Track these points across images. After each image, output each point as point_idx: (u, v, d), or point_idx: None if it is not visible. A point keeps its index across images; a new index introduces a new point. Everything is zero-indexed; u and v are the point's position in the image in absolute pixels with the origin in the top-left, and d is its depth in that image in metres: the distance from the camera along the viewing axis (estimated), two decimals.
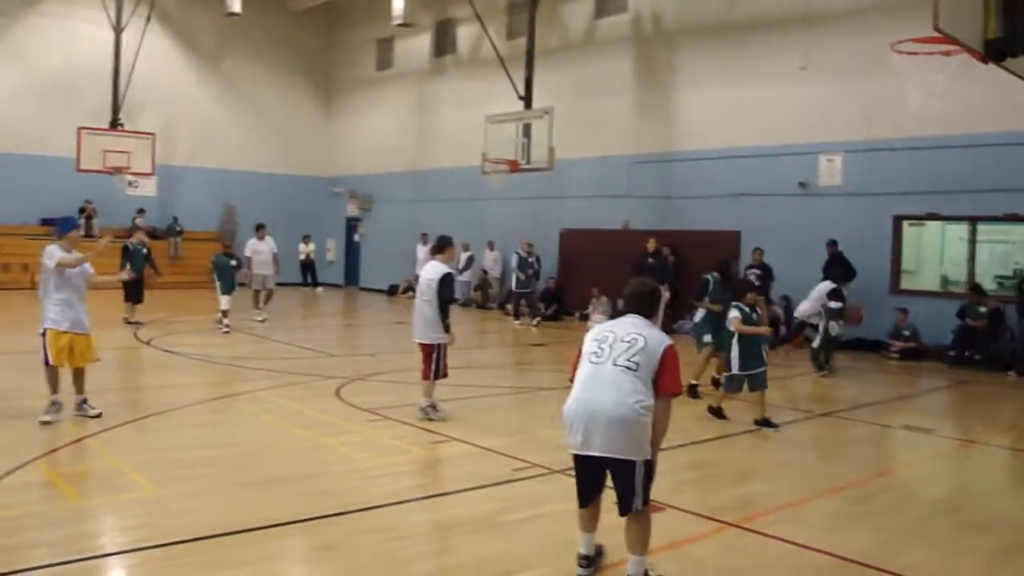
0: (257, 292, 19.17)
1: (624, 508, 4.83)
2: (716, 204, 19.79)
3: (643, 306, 5.19)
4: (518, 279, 21.21)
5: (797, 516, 6.61)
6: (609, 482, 4.95)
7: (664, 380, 4.81)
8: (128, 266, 16.47)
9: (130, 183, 26.21)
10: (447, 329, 9.41)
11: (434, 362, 9.41)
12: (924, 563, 5.63)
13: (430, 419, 9.35)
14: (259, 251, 19.17)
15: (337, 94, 32.74)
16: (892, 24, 14.85)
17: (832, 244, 16.89)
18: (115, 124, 25.94)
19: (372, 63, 31.02)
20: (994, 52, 10.38)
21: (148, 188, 26.92)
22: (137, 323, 17.10)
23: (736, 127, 19.46)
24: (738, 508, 6.68)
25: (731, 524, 6.26)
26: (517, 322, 20.87)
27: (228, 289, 16.87)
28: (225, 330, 16.32)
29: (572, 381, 5.04)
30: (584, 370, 4.96)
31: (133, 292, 17.33)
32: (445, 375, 9.52)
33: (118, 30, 26.24)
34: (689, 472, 7.76)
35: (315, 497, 6.48)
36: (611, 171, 21.95)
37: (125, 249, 17.62)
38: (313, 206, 31.77)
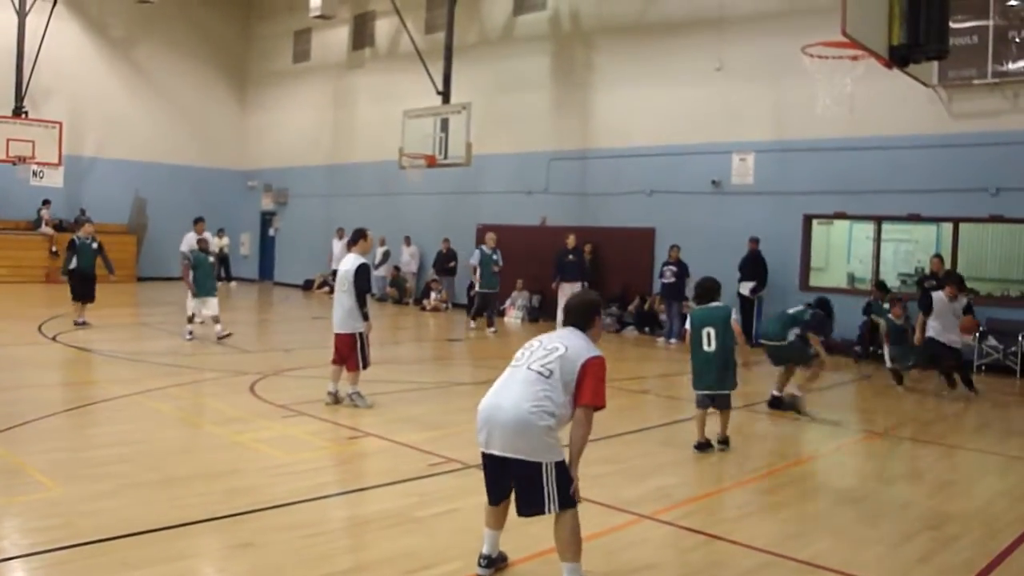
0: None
1: (522, 509, 4.81)
2: (632, 201, 20.08)
3: (578, 318, 5.12)
4: (484, 276, 18.60)
5: (709, 508, 6.78)
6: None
7: (582, 391, 4.77)
8: (75, 261, 15.83)
9: (35, 173, 25.32)
10: (365, 318, 9.70)
11: (358, 351, 9.68)
12: (829, 553, 5.81)
13: (356, 406, 9.60)
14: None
15: (253, 86, 32.21)
16: (802, 28, 15.25)
17: (754, 241, 17.29)
18: (18, 112, 25.11)
19: (289, 55, 30.60)
20: (898, 58, 10.75)
21: (54, 179, 26.04)
22: (84, 323, 15.90)
23: (652, 126, 19.77)
24: (652, 501, 6.79)
25: (645, 516, 6.38)
26: (473, 324, 19.00)
27: (212, 290, 15.05)
28: (189, 337, 14.74)
29: None
30: (504, 373, 4.99)
31: (82, 290, 16.01)
32: (367, 365, 9.78)
33: (22, 14, 25.36)
34: (603, 466, 7.88)
35: (229, 494, 6.40)
36: (529, 167, 22.08)
37: (71, 244, 16.31)
38: (227, 199, 31.21)
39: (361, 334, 9.76)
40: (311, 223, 28.48)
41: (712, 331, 8.45)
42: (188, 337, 14.74)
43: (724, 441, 8.61)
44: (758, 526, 6.36)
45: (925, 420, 11.17)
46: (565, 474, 4.75)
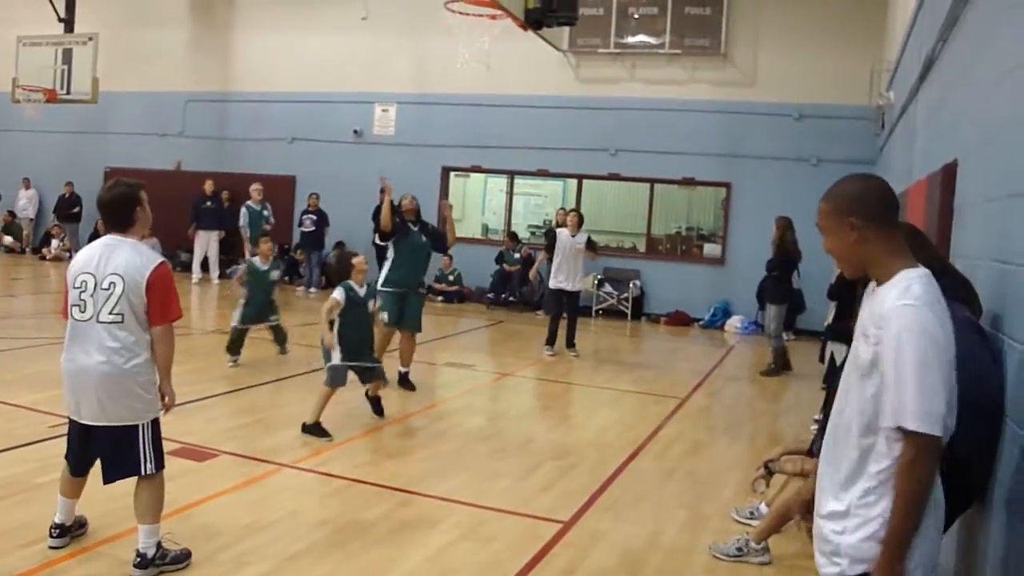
0: None
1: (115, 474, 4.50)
2: (273, 148, 19.62)
3: (118, 216, 4.50)
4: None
5: (348, 453, 6.88)
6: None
7: (154, 312, 4.38)
8: None
9: None
10: None
11: None
12: (463, 487, 6.16)
13: None
14: None
15: None
16: None
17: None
18: None
19: None
20: (532, 21, 11.38)
21: None
22: None
23: (296, 72, 19.35)
24: (291, 450, 6.78)
25: (284, 465, 6.37)
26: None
27: None
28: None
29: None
30: (69, 326, 4.47)
31: None
32: None
33: None
34: (241, 417, 7.74)
35: None
36: (163, 108, 20.77)
37: None
38: None
39: None
40: None
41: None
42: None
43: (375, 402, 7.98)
44: (396, 467, 6.58)
45: (548, 361, 12.04)
46: (158, 432, 4.53)
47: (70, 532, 4.71)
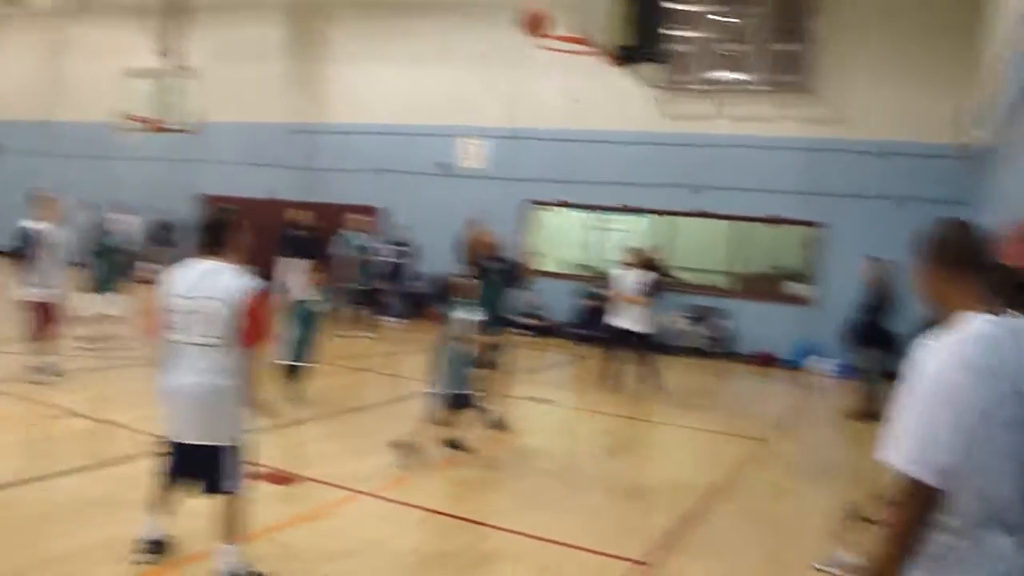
0: None
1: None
2: (362, 179, 20.01)
3: (216, 240, 4.66)
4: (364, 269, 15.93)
5: (428, 484, 6.94)
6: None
7: (247, 334, 4.50)
8: None
9: None
10: (34, 285, 9.03)
11: (31, 321, 9.13)
12: (541, 522, 6.15)
13: (39, 382, 8.98)
14: None
15: None
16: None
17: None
18: None
19: None
20: (623, 57, 11.44)
21: None
22: None
23: (385, 104, 19.76)
24: (373, 478, 6.86)
25: (366, 493, 6.44)
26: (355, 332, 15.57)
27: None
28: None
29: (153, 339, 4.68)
30: (166, 348, 4.62)
31: None
32: (54, 336, 9.23)
33: None
34: (324, 443, 7.87)
35: None
36: (258, 138, 21.41)
37: None
38: None
39: (36, 302, 9.12)
40: (17, 183, 26.10)
41: None
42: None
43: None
44: (475, 500, 6.62)
45: (630, 398, 11.94)
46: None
47: (160, 548, 4.86)
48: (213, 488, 4.59)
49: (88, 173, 23.88)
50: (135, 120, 18.75)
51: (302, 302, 9.31)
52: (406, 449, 7.21)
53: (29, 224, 9.20)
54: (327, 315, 10.06)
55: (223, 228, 4.67)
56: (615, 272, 12.16)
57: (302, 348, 9.19)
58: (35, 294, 9.11)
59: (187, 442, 4.55)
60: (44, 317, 9.18)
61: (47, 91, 25.99)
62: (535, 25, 9.80)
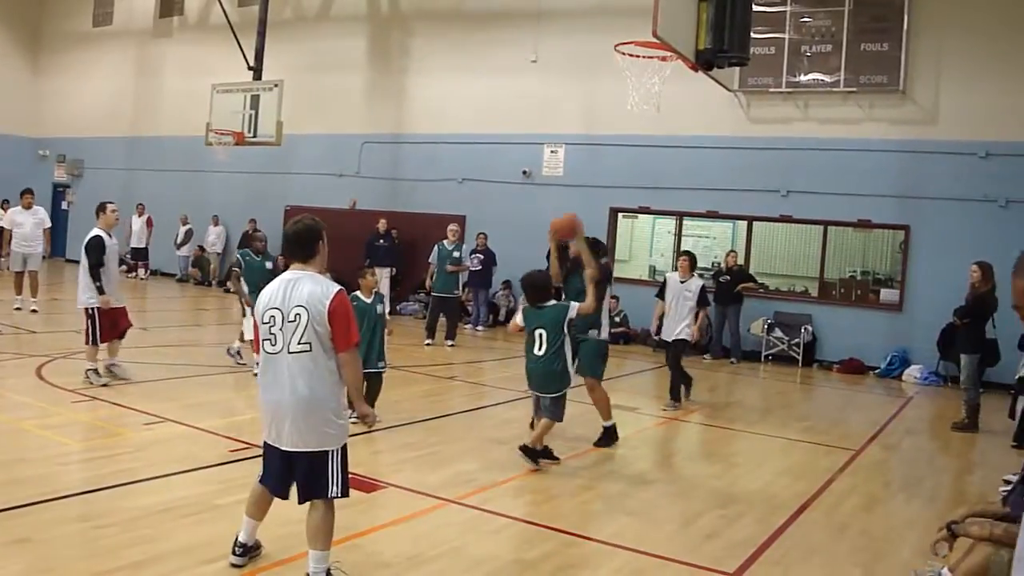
0: (19, 274, 15.51)
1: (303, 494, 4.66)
2: (443, 188, 20.16)
3: (302, 249, 4.73)
4: (438, 277, 15.76)
5: (511, 492, 6.90)
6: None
7: (338, 338, 4.53)
8: None
9: None
10: (100, 292, 9.49)
11: (88, 327, 9.52)
12: (626, 531, 6.05)
13: (91, 384, 9.34)
14: (21, 223, 16.01)
15: (47, 49, 29.99)
16: (616, 27, 15.66)
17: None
18: None
19: (88, 18, 28.75)
20: (703, 62, 11.27)
21: None
22: None
23: (466, 114, 19.90)
24: (455, 486, 6.85)
25: (449, 500, 6.43)
26: (430, 341, 15.17)
27: None
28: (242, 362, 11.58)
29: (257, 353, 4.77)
30: (262, 359, 4.67)
31: None
32: (97, 341, 9.54)
33: None
34: (407, 451, 7.88)
35: (7, 486, 5.96)
36: (340, 150, 21.76)
37: None
38: (15, 169, 28.98)
39: (95, 309, 9.52)
40: (109, 197, 26.86)
41: (543, 333, 7.62)
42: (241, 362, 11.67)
43: (525, 450, 7.60)
44: (558, 508, 6.55)
45: (716, 405, 11.76)
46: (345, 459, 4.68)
47: (250, 552, 4.92)
48: (309, 494, 4.62)
49: (177, 186, 24.54)
50: (221, 134, 19.19)
51: (362, 304, 8.83)
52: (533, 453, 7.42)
53: (100, 233, 9.87)
54: (390, 321, 9.73)
55: (309, 237, 4.74)
56: (669, 277, 11.61)
57: (371, 354, 8.78)
58: (106, 300, 9.54)
59: (294, 450, 4.58)
60: (112, 323, 9.66)
61: (139, 107, 26.80)
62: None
